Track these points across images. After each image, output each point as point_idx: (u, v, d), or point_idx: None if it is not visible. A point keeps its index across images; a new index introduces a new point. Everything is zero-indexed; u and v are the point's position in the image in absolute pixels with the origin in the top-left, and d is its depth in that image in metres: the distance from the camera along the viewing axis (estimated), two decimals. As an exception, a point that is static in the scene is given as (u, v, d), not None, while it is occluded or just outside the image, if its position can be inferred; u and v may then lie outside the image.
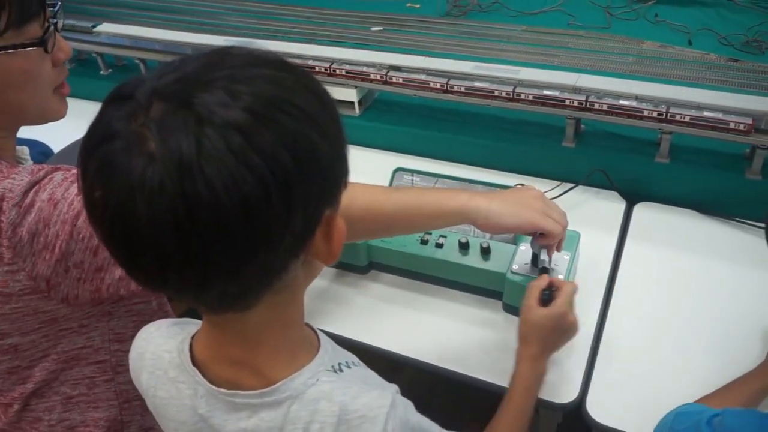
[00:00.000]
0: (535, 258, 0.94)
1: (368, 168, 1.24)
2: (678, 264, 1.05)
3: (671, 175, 1.16)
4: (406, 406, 0.58)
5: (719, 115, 1.08)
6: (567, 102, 1.18)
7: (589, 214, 1.15)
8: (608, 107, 1.15)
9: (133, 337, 0.84)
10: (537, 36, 1.55)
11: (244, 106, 0.43)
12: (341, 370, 0.58)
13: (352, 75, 1.34)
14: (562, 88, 1.19)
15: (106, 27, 1.63)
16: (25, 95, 0.75)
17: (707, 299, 0.98)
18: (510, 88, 1.22)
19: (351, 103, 1.38)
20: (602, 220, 1.13)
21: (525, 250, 0.95)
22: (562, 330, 0.83)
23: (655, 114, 1.12)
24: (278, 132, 0.44)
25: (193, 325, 0.62)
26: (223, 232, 0.43)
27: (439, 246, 1.01)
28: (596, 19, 1.60)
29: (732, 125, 1.07)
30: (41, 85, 0.77)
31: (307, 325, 0.63)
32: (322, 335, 0.62)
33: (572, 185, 1.19)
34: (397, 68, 1.32)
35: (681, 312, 0.97)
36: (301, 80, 0.49)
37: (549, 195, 1.17)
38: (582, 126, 1.25)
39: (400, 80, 1.30)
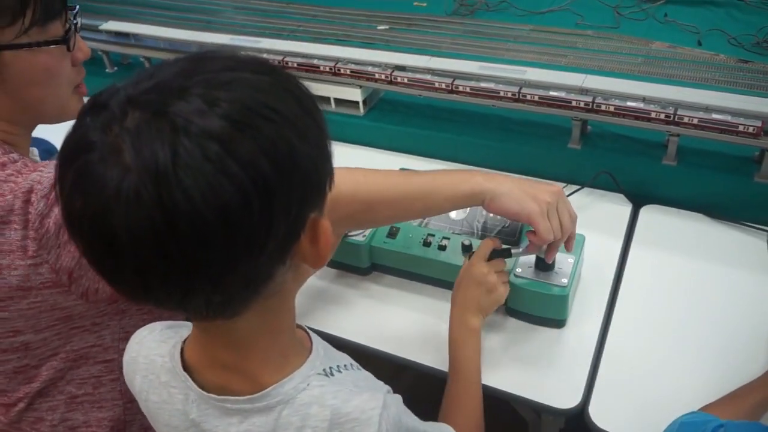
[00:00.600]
0: (538, 261, 0.93)
1: (372, 168, 1.24)
2: (684, 268, 1.03)
3: (678, 177, 1.14)
4: (398, 405, 0.57)
5: (728, 118, 1.06)
6: (573, 103, 1.16)
7: (595, 216, 1.14)
8: (615, 109, 1.13)
9: None
10: (544, 36, 1.53)
11: (221, 113, 0.43)
12: (332, 374, 0.58)
13: (357, 74, 1.33)
14: (569, 89, 1.18)
15: (111, 25, 1.63)
16: (46, 93, 0.77)
17: (713, 304, 0.97)
18: (516, 89, 1.20)
19: (355, 103, 1.37)
20: (608, 223, 1.12)
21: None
22: (477, 282, 0.87)
23: (662, 116, 1.10)
24: (256, 138, 0.43)
25: (186, 329, 0.61)
26: (203, 242, 0.42)
27: (442, 248, 1.00)
28: (605, 19, 1.59)
29: (741, 128, 1.05)
30: (62, 83, 0.78)
31: (300, 326, 0.62)
32: (314, 337, 0.62)
33: (578, 187, 1.18)
34: (402, 68, 1.31)
35: (686, 317, 0.96)
36: (281, 83, 0.48)
37: (554, 197, 1.16)
38: (588, 127, 1.24)
39: (405, 80, 1.29)
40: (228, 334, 0.54)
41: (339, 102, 1.39)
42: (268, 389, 0.54)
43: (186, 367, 0.58)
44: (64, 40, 0.75)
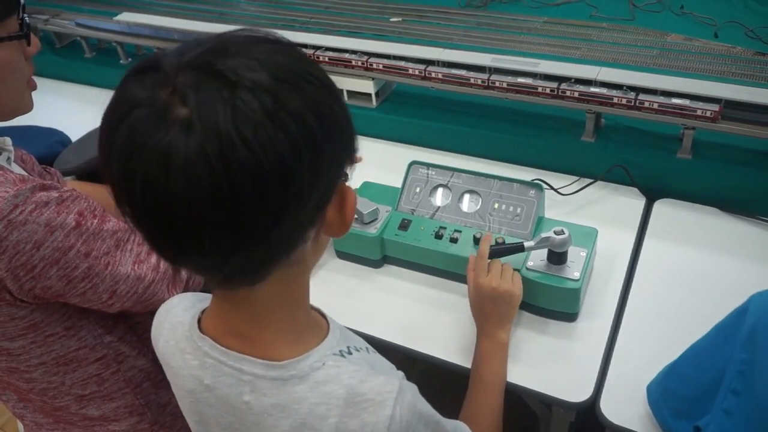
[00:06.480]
0: (550, 254, 0.93)
1: (384, 161, 1.24)
2: (698, 263, 1.03)
3: (693, 171, 1.13)
4: (414, 392, 0.58)
5: (744, 111, 1.05)
6: (587, 96, 1.16)
7: (608, 210, 1.13)
8: (630, 101, 1.13)
9: (118, 323, 0.85)
10: (558, 28, 1.52)
11: (270, 72, 0.45)
12: (350, 353, 0.58)
13: (370, 67, 1.33)
14: (583, 81, 1.17)
15: (126, 16, 1.63)
16: (4, 88, 0.77)
17: (727, 300, 0.95)
18: (529, 81, 1.20)
19: (368, 95, 1.37)
20: (621, 217, 1.11)
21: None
22: (490, 298, 0.88)
23: (678, 109, 1.09)
24: (304, 97, 0.46)
25: (209, 301, 0.63)
26: (259, 192, 0.45)
27: (454, 241, 1.00)
28: (620, 11, 1.57)
29: (757, 121, 1.04)
30: (19, 78, 0.78)
31: (317, 310, 0.63)
32: (331, 320, 0.63)
33: (591, 180, 1.17)
34: (415, 60, 1.30)
35: (699, 312, 0.94)
36: (307, 56, 0.52)
37: (567, 190, 1.16)
38: (602, 120, 1.23)
39: (418, 72, 1.29)
40: (247, 304, 0.55)
41: (351, 94, 1.39)
42: (283, 362, 0.55)
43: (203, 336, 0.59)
44: (26, 35, 0.76)
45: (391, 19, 1.64)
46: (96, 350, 0.84)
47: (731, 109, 1.07)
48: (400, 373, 0.61)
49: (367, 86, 1.36)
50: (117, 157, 0.45)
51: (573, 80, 1.18)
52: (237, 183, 0.43)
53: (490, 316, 0.88)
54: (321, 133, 0.47)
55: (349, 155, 0.53)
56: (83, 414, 0.87)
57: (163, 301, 0.74)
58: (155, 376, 0.90)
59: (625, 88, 1.14)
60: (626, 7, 1.59)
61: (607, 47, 1.41)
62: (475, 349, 0.88)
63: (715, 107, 1.07)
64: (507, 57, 1.26)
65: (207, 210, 0.44)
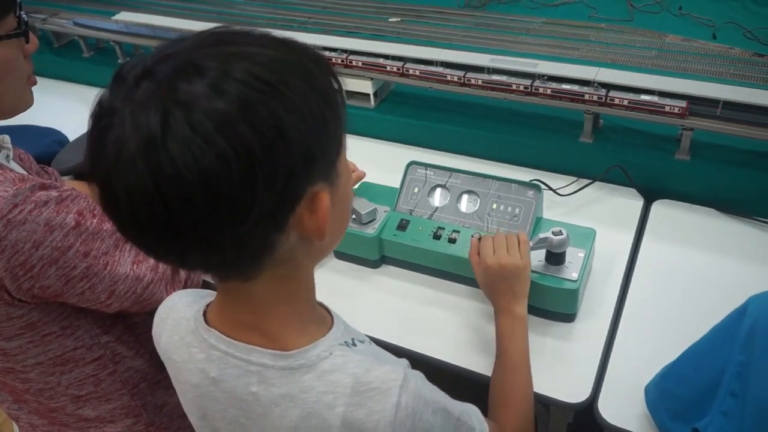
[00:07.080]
0: (549, 255, 0.93)
1: (382, 161, 1.23)
2: (696, 264, 1.03)
3: (691, 172, 1.14)
4: (418, 379, 0.58)
5: (742, 112, 1.05)
6: (586, 96, 1.16)
7: (606, 210, 1.13)
8: (628, 102, 1.13)
9: (115, 324, 0.85)
10: (557, 28, 1.52)
11: (219, 89, 0.45)
12: (355, 345, 0.59)
13: (368, 66, 1.33)
14: (581, 82, 1.17)
15: (124, 16, 1.63)
16: (4, 86, 0.77)
17: (725, 300, 0.95)
18: (528, 82, 1.20)
19: (366, 95, 1.37)
20: (619, 218, 1.11)
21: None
22: (500, 275, 0.88)
23: (676, 109, 1.09)
24: (255, 119, 0.45)
25: (213, 297, 0.63)
26: (187, 205, 0.45)
27: (452, 241, 1.00)
28: (618, 12, 1.57)
29: (755, 122, 1.04)
30: (18, 76, 0.78)
31: (321, 304, 0.64)
32: (335, 314, 0.63)
33: (589, 181, 1.17)
34: (413, 60, 1.30)
35: (697, 313, 0.95)
36: (288, 57, 0.49)
37: (565, 191, 1.16)
38: (600, 121, 1.23)
39: (416, 72, 1.29)
40: (246, 297, 0.56)
41: (350, 94, 1.39)
42: (291, 351, 0.56)
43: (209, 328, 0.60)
44: (24, 33, 0.76)
45: (390, 20, 1.64)
46: (93, 350, 0.83)
47: (729, 110, 1.07)
48: (405, 361, 0.62)
49: (365, 86, 1.36)
50: (89, 160, 0.48)
51: (546, 77, 1.19)
52: (164, 195, 0.45)
53: (505, 293, 0.88)
54: (260, 148, 0.45)
55: (313, 164, 0.50)
56: (79, 415, 0.87)
57: (161, 301, 0.74)
58: (152, 378, 0.90)
59: (596, 84, 1.15)
60: (625, 8, 1.59)
61: (606, 48, 1.41)
62: (495, 330, 0.88)
63: (683, 103, 1.07)
64: (506, 57, 1.26)
65: (144, 216, 0.46)
